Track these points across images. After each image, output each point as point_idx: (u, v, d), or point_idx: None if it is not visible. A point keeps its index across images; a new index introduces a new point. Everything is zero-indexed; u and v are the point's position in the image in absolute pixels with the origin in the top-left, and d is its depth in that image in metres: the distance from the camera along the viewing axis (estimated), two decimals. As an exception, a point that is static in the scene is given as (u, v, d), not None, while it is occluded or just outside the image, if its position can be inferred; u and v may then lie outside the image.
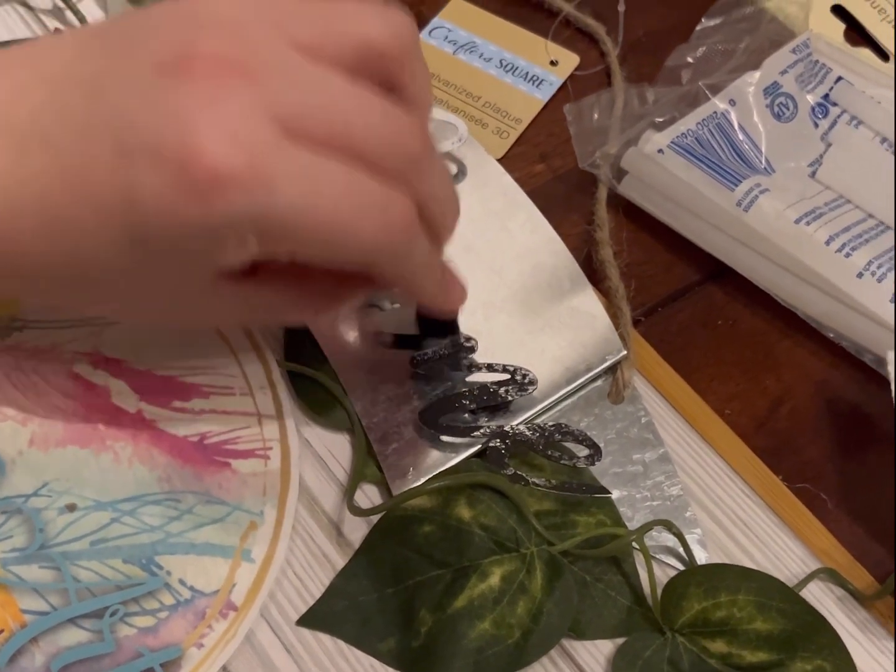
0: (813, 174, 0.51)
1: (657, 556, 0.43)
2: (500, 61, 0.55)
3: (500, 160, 0.52)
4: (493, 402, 0.44)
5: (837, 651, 0.40)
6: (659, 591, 0.41)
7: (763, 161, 0.51)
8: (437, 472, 0.43)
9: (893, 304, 0.46)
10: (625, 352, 0.46)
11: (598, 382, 0.46)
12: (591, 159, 0.51)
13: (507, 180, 0.49)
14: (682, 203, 0.49)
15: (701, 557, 0.43)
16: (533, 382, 0.44)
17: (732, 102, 0.51)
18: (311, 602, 0.41)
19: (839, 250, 0.47)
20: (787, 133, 0.52)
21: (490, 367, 0.44)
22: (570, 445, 0.43)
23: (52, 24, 0.53)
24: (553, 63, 0.55)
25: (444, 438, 0.43)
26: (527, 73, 0.54)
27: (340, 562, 0.42)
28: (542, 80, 0.54)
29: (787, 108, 0.52)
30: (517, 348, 0.45)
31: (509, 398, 0.43)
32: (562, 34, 0.56)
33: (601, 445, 0.44)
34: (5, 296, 0.42)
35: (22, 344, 0.44)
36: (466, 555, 0.41)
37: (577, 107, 0.52)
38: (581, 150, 0.51)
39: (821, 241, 0.47)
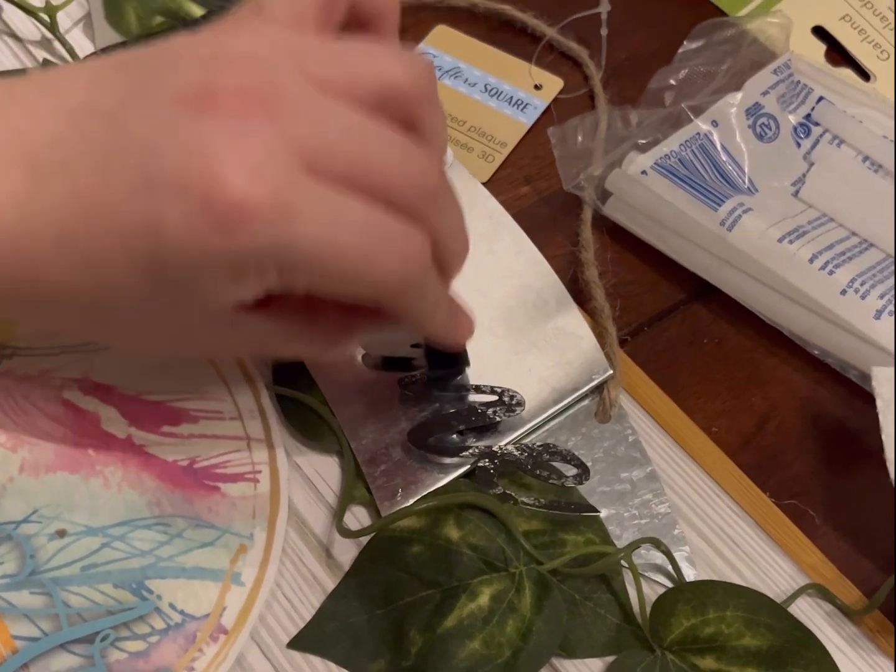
0: (796, 193, 0.52)
1: (646, 574, 0.43)
2: (485, 86, 0.55)
3: (485, 183, 0.52)
4: (481, 423, 0.44)
5: (826, 666, 0.40)
6: (648, 609, 0.41)
7: (746, 181, 0.51)
8: (425, 492, 0.43)
9: (877, 321, 0.46)
10: (611, 371, 0.46)
11: (586, 402, 0.46)
12: (576, 181, 0.51)
13: (493, 203, 0.50)
14: (666, 223, 0.50)
15: (689, 574, 0.43)
16: (520, 403, 0.44)
17: (715, 123, 0.52)
18: (302, 624, 0.41)
19: (822, 268, 0.47)
20: (769, 153, 0.52)
21: (478, 389, 0.44)
22: (558, 465, 0.44)
23: (41, 54, 0.53)
24: (537, 87, 0.56)
25: (433, 459, 0.44)
26: (511, 97, 0.55)
27: (330, 584, 0.42)
28: (527, 104, 0.55)
29: (770, 129, 0.52)
30: (504, 369, 0.46)
31: (497, 419, 0.44)
32: (545, 58, 0.56)
33: (589, 464, 0.44)
34: (15, 317, 0.42)
35: (12, 371, 0.44)
36: (455, 575, 0.41)
37: (560, 129, 0.52)
38: (565, 173, 0.51)
39: (804, 258, 0.48)
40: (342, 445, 0.44)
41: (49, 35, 0.54)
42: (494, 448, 0.43)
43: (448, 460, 0.44)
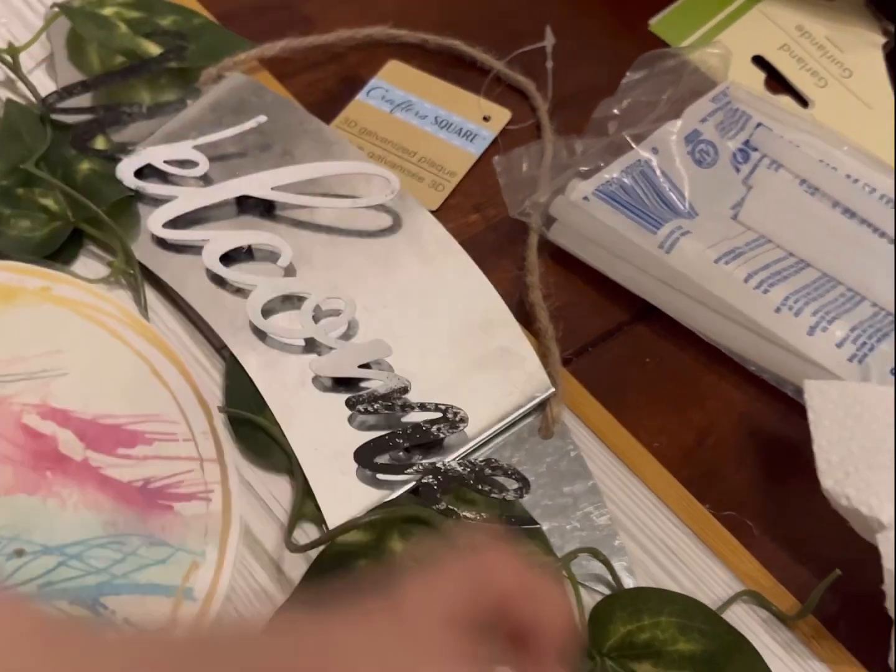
0: (735, 216, 0.54)
1: (586, 584, 0.44)
2: (436, 118, 0.57)
3: (435, 212, 0.54)
4: (425, 440, 0.45)
5: (759, 669, 0.42)
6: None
7: (687, 205, 0.53)
8: (372, 508, 0.44)
9: (810, 337, 0.48)
10: (553, 389, 0.48)
11: (529, 419, 0.48)
12: (522, 208, 0.53)
13: (440, 230, 0.51)
14: (608, 247, 0.52)
15: (628, 583, 0.44)
16: (464, 420, 0.46)
17: (655, 150, 0.53)
18: (252, 638, 0.42)
19: (757, 287, 0.49)
20: (709, 178, 0.54)
21: (423, 407, 0.46)
22: (500, 479, 0.45)
23: (4, 94, 0.55)
24: (486, 119, 0.58)
25: (380, 477, 0.45)
26: (461, 128, 0.57)
27: (280, 598, 0.43)
28: (476, 135, 0.57)
29: (709, 155, 0.54)
30: (450, 388, 0.47)
31: (441, 435, 0.45)
32: (494, 91, 0.59)
33: (532, 479, 0.46)
34: None
35: (-28, 397, 0.46)
36: (400, 587, 0.42)
37: (506, 158, 0.54)
38: (511, 200, 0.53)
39: (740, 278, 0.49)
40: (292, 464, 0.46)
41: (12, 76, 0.56)
42: (438, 464, 0.45)
43: (394, 477, 0.45)
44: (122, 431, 0.46)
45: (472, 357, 0.48)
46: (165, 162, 0.52)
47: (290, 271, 0.50)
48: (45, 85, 0.56)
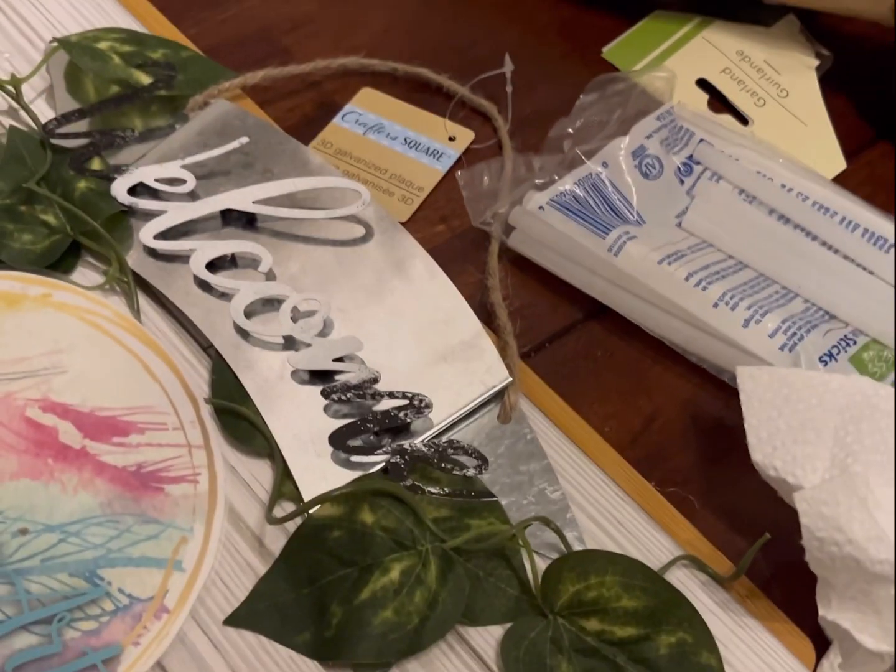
0: (679, 224, 0.58)
1: (540, 552, 0.48)
2: (405, 139, 0.62)
3: (405, 223, 0.59)
4: (394, 425, 0.50)
5: (696, 623, 0.46)
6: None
7: (635, 214, 0.58)
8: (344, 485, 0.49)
9: (745, 328, 0.53)
10: (510, 379, 0.52)
11: (490, 407, 0.52)
12: (483, 218, 0.58)
13: (408, 239, 0.56)
14: (561, 252, 0.56)
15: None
16: (429, 406, 0.50)
17: (605, 164, 0.58)
18: (237, 605, 0.46)
19: (697, 285, 0.54)
20: (655, 189, 0.59)
21: (391, 395, 0.50)
22: (462, 459, 0.49)
23: (7, 122, 0.60)
24: (451, 139, 0.62)
25: (352, 458, 0.50)
26: (428, 148, 0.62)
27: (262, 569, 0.47)
28: (442, 154, 0.62)
29: (654, 168, 0.59)
30: (416, 378, 0.52)
31: (408, 420, 0.50)
32: (458, 114, 0.63)
33: (491, 460, 0.50)
34: None
35: (-21, 392, 0.50)
36: (370, 554, 0.46)
37: (468, 172, 0.59)
38: (473, 210, 0.58)
39: (680, 277, 0.54)
40: (273, 449, 0.50)
41: (15, 105, 0.61)
42: (405, 446, 0.49)
43: (365, 459, 0.49)
44: (117, 422, 0.50)
45: (437, 351, 0.53)
46: (156, 180, 0.56)
47: (270, 276, 0.54)
48: (45, 113, 0.60)
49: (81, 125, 0.59)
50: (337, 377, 0.51)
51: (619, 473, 0.51)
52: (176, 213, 0.55)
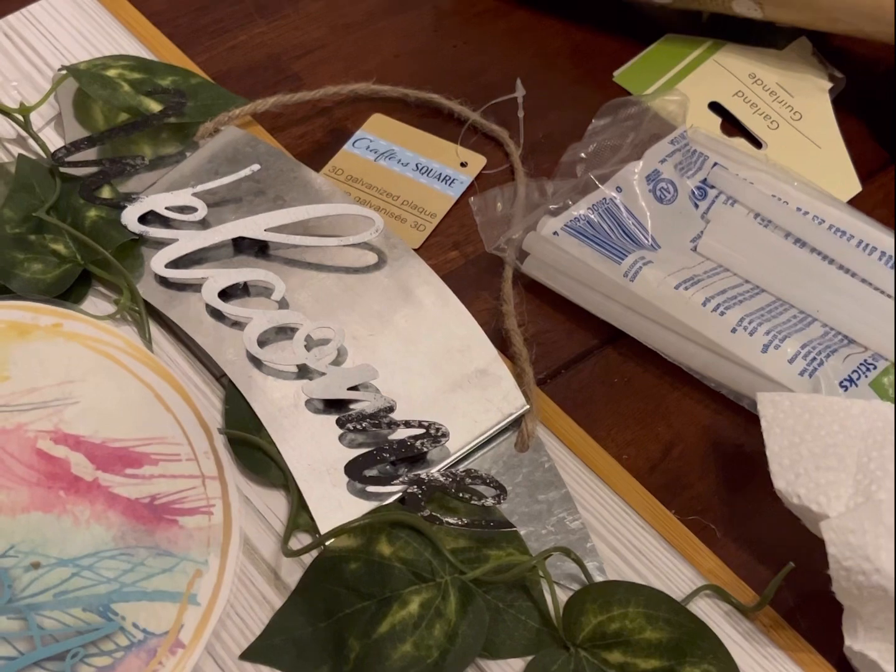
0: (694, 248, 0.58)
1: (561, 583, 0.48)
2: (416, 165, 0.62)
3: (418, 249, 0.58)
4: (410, 454, 0.49)
5: (721, 655, 0.45)
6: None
7: (650, 238, 0.57)
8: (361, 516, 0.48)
9: (763, 354, 0.52)
10: (528, 406, 0.52)
11: (507, 435, 0.52)
12: (497, 244, 0.57)
13: (421, 264, 0.55)
14: (576, 277, 0.56)
15: (600, 581, 0.48)
16: (445, 434, 0.49)
17: (619, 189, 0.58)
18: (252, 639, 0.46)
19: (714, 309, 0.53)
20: (669, 213, 0.58)
21: (407, 424, 0.50)
22: (480, 488, 0.49)
23: (16, 150, 0.60)
24: (463, 164, 0.62)
25: (369, 489, 0.49)
26: (440, 174, 0.61)
27: (278, 602, 0.47)
28: (454, 180, 0.61)
29: (669, 192, 0.59)
30: (432, 407, 0.51)
31: (424, 449, 0.49)
32: (470, 139, 0.63)
33: (509, 488, 0.49)
34: None
35: (-10, 424, 0.50)
36: (388, 586, 0.46)
37: (482, 198, 0.58)
38: (487, 236, 0.57)
39: (698, 302, 0.53)
40: (287, 480, 0.49)
41: (24, 133, 0.60)
42: (422, 475, 0.49)
43: (381, 489, 0.49)
44: (129, 453, 0.50)
45: (452, 378, 0.52)
46: (167, 208, 0.56)
47: (283, 304, 0.54)
48: (54, 141, 0.60)
49: (91, 153, 0.59)
50: (352, 406, 0.51)
51: (639, 502, 0.50)
52: (187, 242, 0.55)
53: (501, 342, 0.55)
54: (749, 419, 0.53)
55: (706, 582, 0.48)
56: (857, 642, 0.45)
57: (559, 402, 0.54)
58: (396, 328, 0.54)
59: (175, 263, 0.55)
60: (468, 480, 0.49)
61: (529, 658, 0.46)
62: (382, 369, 0.51)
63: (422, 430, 0.49)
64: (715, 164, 0.60)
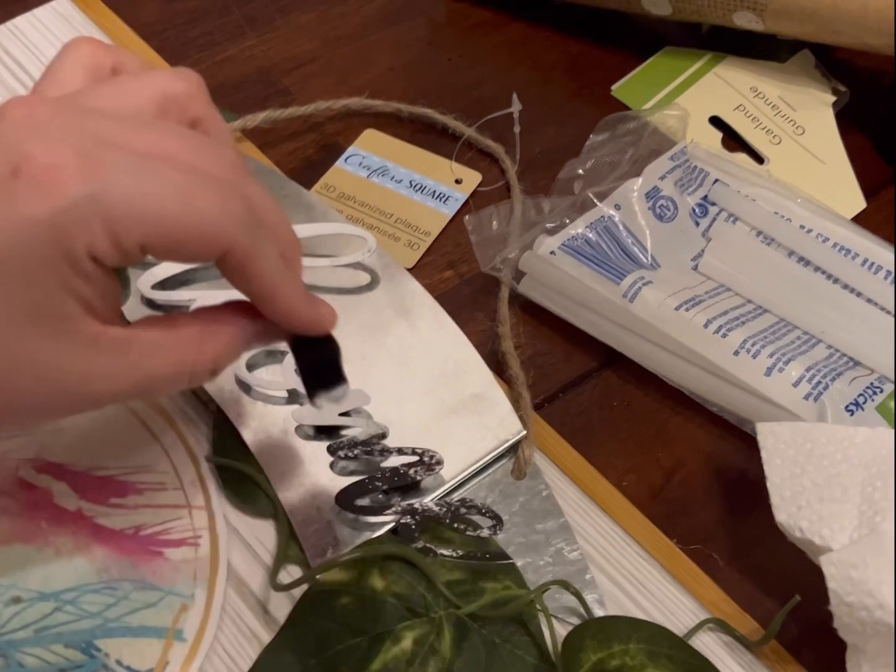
0: (695, 267, 0.56)
1: (560, 616, 0.46)
2: (410, 182, 0.60)
3: (411, 269, 0.57)
4: (403, 483, 0.48)
5: (725, 693, 0.44)
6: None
7: (649, 257, 0.56)
8: (352, 548, 0.46)
9: (767, 377, 0.50)
10: (525, 432, 0.50)
11: (503, 461, 0.50)
12: (492, 263, 0.56)
13: (415, 285, 0.54)
14: (574, 298, 0.54)
15: (599, 615, 0.46)
16: (440, 462, 0.48)
17: (617, 207, 0.56)
18: (241, 676, 0.44)
19: (717, 331, 0.52)
20: (669, 232, 0.57)
21: (400, 451, 0.48)
22: (475, 518, 0.47)
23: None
24: (458, 181, 0.61)
25: (360, 519, 0.47)
26: (434, 191, 0.60)
27: (267, 637, 0.45)
28: (449, 197, 0.60)
29: (669, 210, 0.57)
30: (426, 433, 0.50)
31: (418, 478, 0.48)
32: (465, 155, 0.62)
33: (506, 518, 0.48)
34: None
35: (-31, 452, 0.48)
36: (381, 622, 0.44)
37: (476, 217, 0.57)
38: (482, 256, 0.56)
39: (699, 324, 0.52)
40: (277, 509, 0.48)
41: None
42: (416, 505, 0.47)
43: (374, 519, 0.47)
44: (113, 482, 0.48)
45: (447, 403, 0.51)
46: (153, 228, 0.55)
47: (272, 327, 0.52)
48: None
49: (76, 171, 0.57)
50: (343, 432, 0.49)
51: (640, 531, 0.49)
52: (175, 262, 0.53)
53: (497, 365, 0.53)
54: (753, 445, 0.51)
55: (709, 614, 0.47)
56: (863, 680, 0.43)
57: (557, 427, 0.52)
58: (389, 351, 0.52)
59: (162, 284, 0.53)
60: (463, 510, 0.47)
61: (526, 695, 0.44)
62: (375, 394, 0.50)
63: (415, 458, 0.48)
64: (716, 180, 0.59)
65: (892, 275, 0.55)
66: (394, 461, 0.48)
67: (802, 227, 0.57)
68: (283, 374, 0.50)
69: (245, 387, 0.51)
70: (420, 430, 0.50)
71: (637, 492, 0.50)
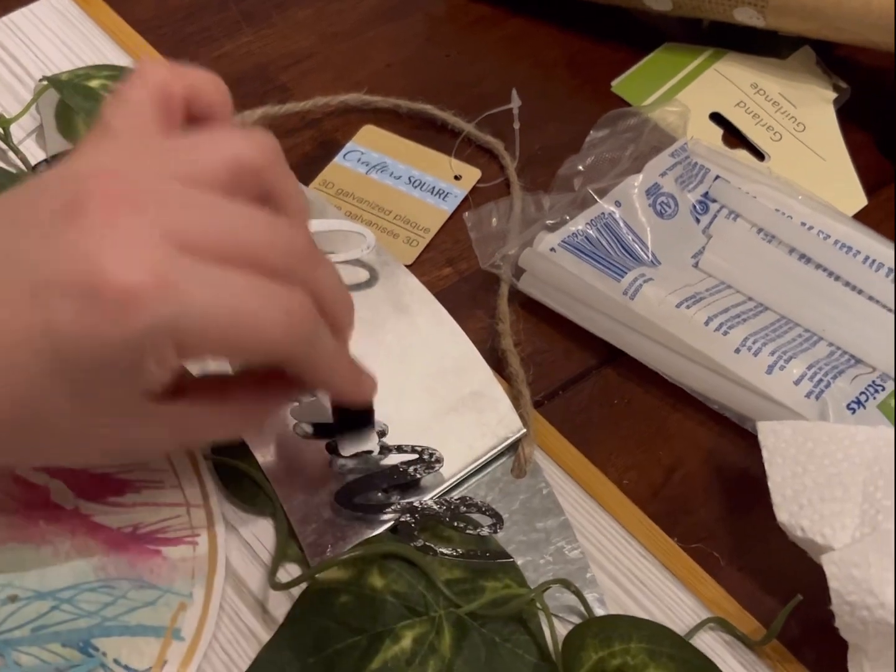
0: (696, 264, 0.56)
1: (560, 615, 0.46)
2: (409, 178, 0.60)
3: (410, 266, 0.56)
4: (402, 481, 0.47)
5: (727, 692, 0.43)
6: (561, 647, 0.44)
7: (650, 254, 0.56)
8: (352, 546, 0.46)
9: (768, 375, 0.50)
10: (525, 430, 0.50)
11: (503, 459, 0.50)
12: (492, 260, 0.55)
13: (414, 281, 0.54)
14: (574, 295, 0.54)
15: (600, 614, 0.46)
16: (439, 460, 0.47)
17: (618, 203, 0.56)
18: (239, 675, 0.44)
19: (717, 329, 0.51)
20: (670, 229, 0.57)
21: (400, 449, 0.48)
22: (475, 516, 0.47)
23: (-3, 163, 0.58)
24: (457, 177, 0.60)
25: (359, 517, 0.47)
26: (433, 187, 0.60)
27: (265, 636, 0.45)
28: (448, 193, 0.59)
29: (669, 207, 0.57)
30: (425, 431, 0.49)
31: (418, 476, 0.47)
32: (464, 151, 0.61)
33: (506, 516, 0.47)
34: None
35: (-34, 450, 0.48)
36: (380, 620, 0.44)
37: (476, 214, 0.56)
38: (482, 252, 0.56)
39: (700, 321, 0.52)
40: (275, 508, 0.47)
41: (3, 146, 0.58)
42: (415, 503, 0.47)
43: (373, 517, 0.47)
44: (111, 480, 0.48)
45: (447, 401, 0.50)
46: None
47: (271, 324, 0.52)
48: (36, 154, 0.58)
49: (73, 167, 0.57)
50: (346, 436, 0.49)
51: (640, 529, 0.49)
52: (172, 259, 0.53)
53: (497, 362, 0.53)
54: (754, 442, 0.50)
55: (710, 613, 0.47)
56: (865, 680, 0.43)
57: (557, 425, 0.52)
58: (388, 348, 0.52)
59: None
60: (463, 509, 0.47)
61: (527, 694, 0.44)
62: (374, 392, 0.50)
63: (415, 456, 0.48)
64: (717, 177, 0.59)
65: (894, 272, 0.55)
66: (393, 459, 0.48)
67: (803, 224, 0.56)
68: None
69: (243, 384, 0.50)
70: (419, 428, 0.49)
71: (638, 490, 0.50)
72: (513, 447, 0.50)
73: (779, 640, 0.46)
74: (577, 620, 0.46)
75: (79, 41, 0.63)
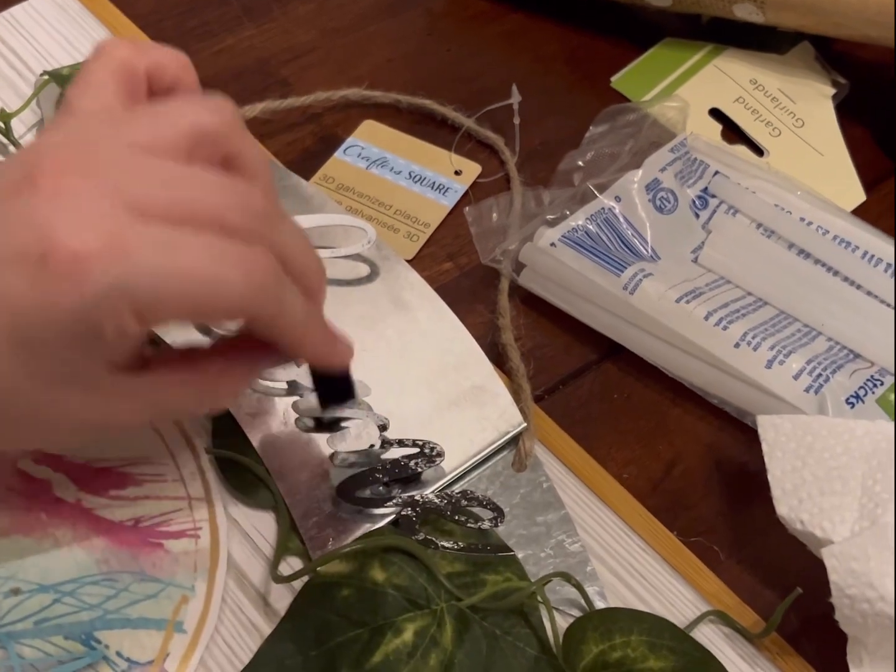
0: (695, 259, 0.56)
1: (561, 608, 0.46)
2: (409, 173, 0.60)
3: (411, 261, 0.56)
4: (404, 475, 0.47)
5: (726, 684, 0.44)
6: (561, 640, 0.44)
7: (649, 249, 0.56)
8: (353, 540, 0.46)
9: (768, 370, 0.50)
10: (525, 424, 0.50)
11: (503, 453, 0.50)
12: (492, 255, 0.56)
13: (415, 276, 0.54)
14: (574, 290, 0.54)
15: (600, 607, 0.46)
16: (440, 454, 0.48)
17: (618, 199, 0.56)
18: (241, 667, 0.44)
19: (717, 324, 0.52)
20: (670, 224, 0.57)
21: (401, 443, 0.48)
22: (476, 510, 0.47)
23: (-4, 157, 0.58)
24: (457, 173, 0.60)
25: (361, 511, 0.47)
26: (434, 182, 0.60)
27: (267, 629, 0.45)
28: (448, 188, 0.60)
29: (669, 202, 0.57)
30: (426, 425, 0.49)
31: (419, 469, 0.47)
32: (464, 146, 0.61)
33: (507, 510, 0.48)
34: None
35: (-32, 444, 0.48)
36: (381, 614, 0.44)
37: (476, 209, 0.57)
38: (482, 247, 0.56)
39: (700, 316, 0.52)
40: (277, 501, 0.48)
41: (4, 140, 0.58)
42: (417, 497, 0.47)
43: (374, 511, 0.47)
44: (113, 473, 0.48)
45: (448, 395, 0.50)
46: (152, 218, 0.54)
47: (272, 319, 0.52)
48: (36, 148, 0.58)
49: (74, 161, 0.57)
50: (343, 424, 0.49)
51: (640, 523, 0.49)
52: (173, 253, 0.53)
53: (497, 357, 0.53)
54: (753, 436, 0.51)
55: (709, 606, 0.47)
56: (863, 672, 0.43)
57: (557, 420, 0.52)
58: (389, 343, 0.52)
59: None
60: (464, 502, 0.47)
61: (527, 687, 0.44)
62: (375, 386, 0.50)
63: (416, 450, 0.48)
64: (716, 172, 0.59)
65: (893, 267, 0.55)
66: (394, 453, 0.48)
67: (802, 219, 0.57)
68: (283, 365, 0.50)
69: (245, 378, 0.50)
70: (420, 422, 0.50)
71: (638, 484, 0.50)
72: (513, 441, 0.50)
73: (778, 633, 0.46)
74: (577, 613, 0.46)
75: (79, 35, 0.63)
